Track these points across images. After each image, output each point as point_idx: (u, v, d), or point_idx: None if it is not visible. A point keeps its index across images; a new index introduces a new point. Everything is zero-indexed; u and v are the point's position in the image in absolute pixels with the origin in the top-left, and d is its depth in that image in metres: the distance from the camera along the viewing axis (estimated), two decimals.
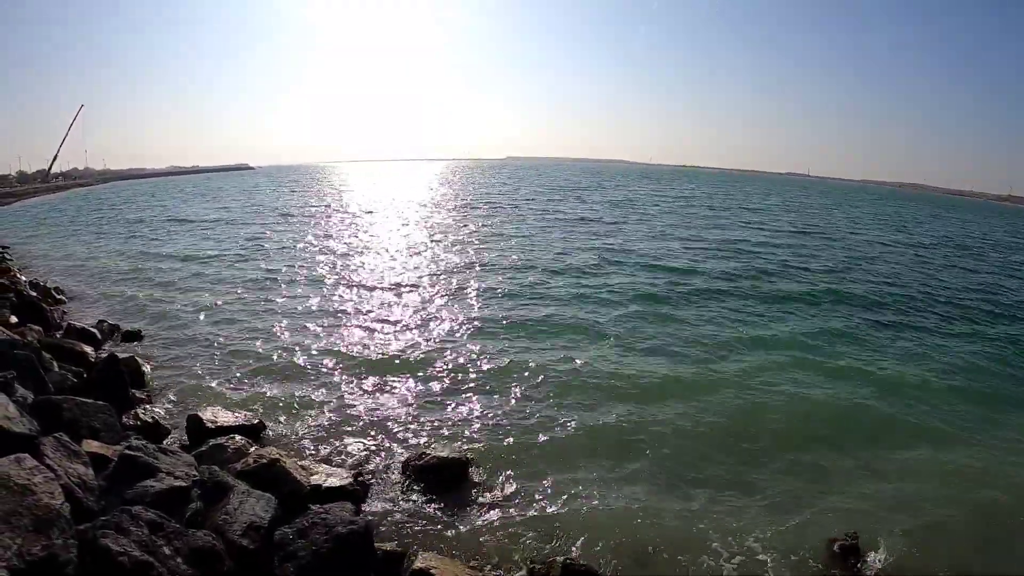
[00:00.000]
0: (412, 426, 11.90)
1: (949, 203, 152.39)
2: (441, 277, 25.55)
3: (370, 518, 8.42)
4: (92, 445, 8.73)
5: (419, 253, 31.75)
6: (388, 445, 11.11)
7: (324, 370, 14.80)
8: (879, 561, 8.45)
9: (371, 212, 55.45)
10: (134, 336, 17.51)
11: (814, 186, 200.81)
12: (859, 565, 8.37)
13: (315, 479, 9.01)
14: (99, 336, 16.87)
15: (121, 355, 13.65)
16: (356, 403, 12.92)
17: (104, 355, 14.15)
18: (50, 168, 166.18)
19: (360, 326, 18.41)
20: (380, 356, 15.78)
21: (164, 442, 10.29)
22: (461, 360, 15.42)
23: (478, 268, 27.08)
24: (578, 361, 15.31)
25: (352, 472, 9.58)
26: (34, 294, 21.44)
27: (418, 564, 7.37)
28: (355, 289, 23.43)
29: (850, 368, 15.70)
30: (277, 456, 9.10)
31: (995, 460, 11.53)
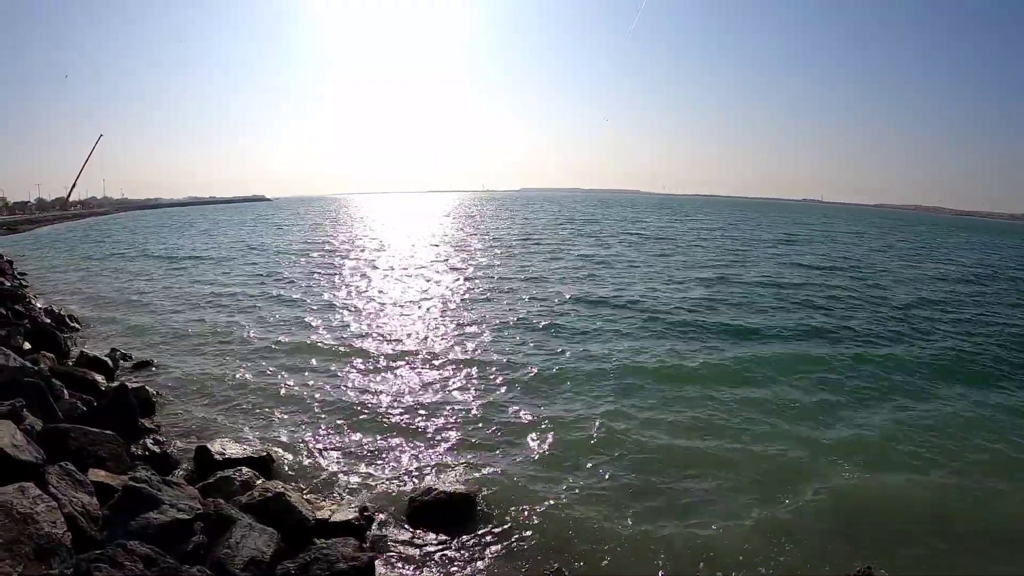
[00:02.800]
0: (420, 460, 11.83)
1: (973, 225, 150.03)
2: (470, 308, 25.72)
3: (374, 553, 8.32)
4: (99, 475, 8.73)
5: (446, 287, 31.77)
6: (395, 479, 11.01)
7: (333, 404, 14.72)
8: None
9: (384, 248, 55.34)
10: (146, 366, 17.57)
11: (850, 214, 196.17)
12: None
13: (320, 513, 8.95)
14: (111, 365, 16.91)
15: (132, 384, 13.68)
16: (364, 437, 12.84)
17: (115, 384, 14.21)
18: (68, 196, 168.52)
19: (369, 360, 18.29)
20: (389, 390, 15.71)
21: (172, 473, 10.32)
22: (470, 396, 15.29)
23: (493, 305, 26.90)
24: (595, 398, 15.16)
25: (358, 506, 9.51)
26: (48, 321, 21.60)
27: None
28: (365, 324, 23.30)
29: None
30: (282, 490, 9.06)
31: None
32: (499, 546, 9.15)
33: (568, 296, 27.92)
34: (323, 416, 13.89)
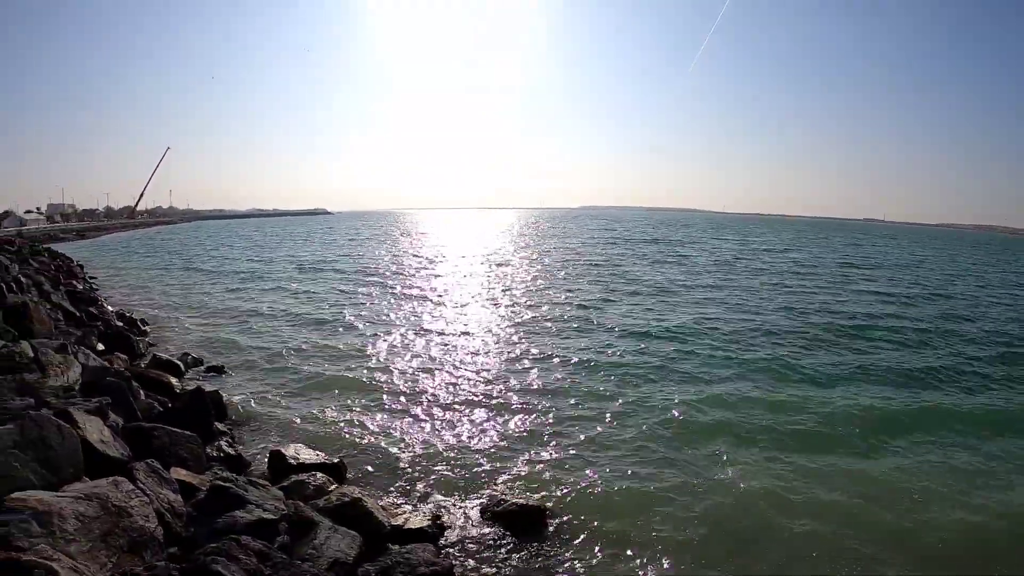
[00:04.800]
0: (492, 471, 11.82)
1: None
2: (532, 327, 25.39)
3: (451, 560, 8.35)
4: (180, 473, 8.89)
5: (508, 303, 31.63)
6: (468, 488, 11.04)
7: (404, 412, 14.91)
8: None
9: (455, 261, 55.25)
10: (217, 370, 17.92)
11: (923, 235, 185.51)
12: None
13: (395, 520, 9.01)
14: (183, 368, 17.29)
15: (206, 388, 13.91)
16: (436, 446, 12.92)
17: (189, 386, 14.48)
18: (136, 205, 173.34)
19: (441, 371, 18.47)
20: (462, 399, 15.86)
21: (246, 475, 10.44)
22: (545, 408, 15.27)
23: (575, 319, 26.78)
24: (668, 414, 14.95)
25: (431, 514, 9.54)
26: (121, 324, 22.15)
27: None
28: (437, 335, 23.58)
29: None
30: (360, 496, 9.15)
31: None
32: (568, 558, 9.09)
33: (652, 323, 26.95)
34: (393, 426, 13.97)
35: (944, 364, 20.55)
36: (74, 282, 33.55)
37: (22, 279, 25.65)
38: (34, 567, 5.15)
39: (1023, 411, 16.18)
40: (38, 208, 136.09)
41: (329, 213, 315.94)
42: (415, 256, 61.12)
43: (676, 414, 14.99)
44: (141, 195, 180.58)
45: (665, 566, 9.03)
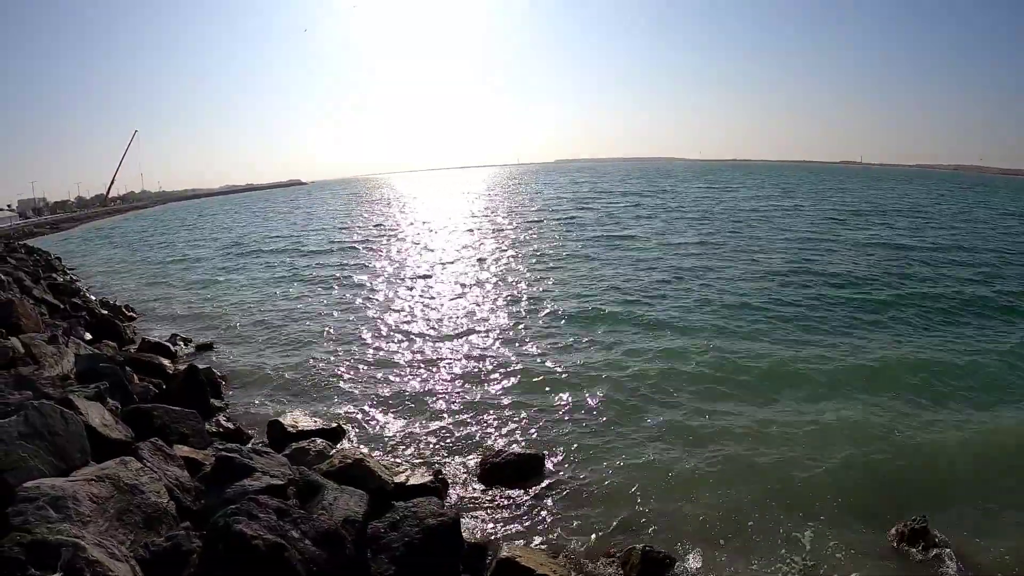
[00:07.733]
0: (488, 424, 12.12)
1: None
2: (517, 283, 25.66)
3: (458, 510, 8.62)
4: (183, 450, 9.05)
5: (491, 263, 31.73)
6: (465, 443, 11.36)
7: (397, 374, 15.19)
8: (950, 544, 8.21)
9: (439, 226, 54.54)
10: (207, 348, 18.05)
11: (902, 177, 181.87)
12: (929, 549, 8.10)
13: (398, 478, 9.22)
14: (173, 349, 17.35)
15: (198, 366, 14.03)
16: (431, 404, 13.21)
17: (182, 366, 14.59)
18: (107, 193, 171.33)
19: (430, 332, 18.76)
20: (453, 357, 16.21)
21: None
22: (535, 361, 15.60)
23: (557, 277, 26.86)
24: (650, 362, 15.27)
25: (432, 470, 9.78)
26: (105, 312, 22.12)
27: (504, 554, 7.55)
28: (424, 298, 23.92)
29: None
30: (361, 456, 9.36)
31: None
32: (568, 502, 9.47)
33: (637, 271, 27.71)
34: (388, 387, 14.29)
35: None
36: (54, 275, 33.39)
37: (2, 277, 25.46)
38: (61, 545, 5.32)
39: None
40: (8, 205, 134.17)
41: (303, 184, 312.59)
42: (387, 224, 60.46)
43: (665, 363, 15.25)
44: (112, 182, 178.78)
45: (660, 504, 9.40)
